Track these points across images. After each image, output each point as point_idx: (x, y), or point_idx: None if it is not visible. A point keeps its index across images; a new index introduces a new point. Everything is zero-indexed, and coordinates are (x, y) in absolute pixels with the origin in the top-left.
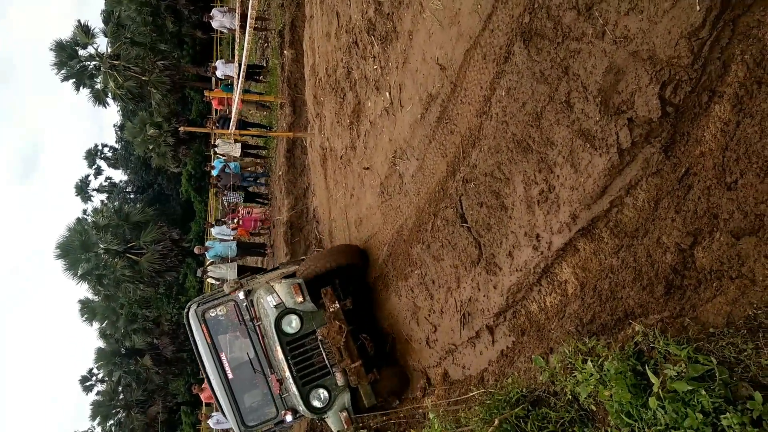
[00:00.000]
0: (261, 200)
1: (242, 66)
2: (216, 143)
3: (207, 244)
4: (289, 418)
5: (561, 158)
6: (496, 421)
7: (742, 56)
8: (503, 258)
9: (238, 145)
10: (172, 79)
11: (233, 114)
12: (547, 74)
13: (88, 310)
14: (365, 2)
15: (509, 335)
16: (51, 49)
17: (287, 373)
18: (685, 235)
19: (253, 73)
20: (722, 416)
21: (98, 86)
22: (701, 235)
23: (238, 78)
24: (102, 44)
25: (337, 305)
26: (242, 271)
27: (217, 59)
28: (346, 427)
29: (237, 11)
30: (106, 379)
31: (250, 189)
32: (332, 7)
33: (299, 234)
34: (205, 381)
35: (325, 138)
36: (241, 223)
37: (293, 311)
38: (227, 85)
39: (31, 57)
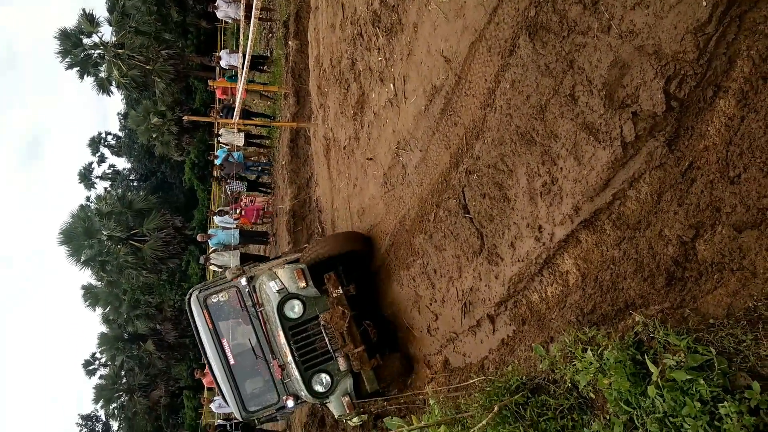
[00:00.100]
0: (264, 189)
1: (247, 56)
2: (219, 132)
3: (210, 231)
4: (290, 403)
5: (564, 151)
6: (496, 408)
7: (748, 52)
8: (505, 248)
9: (242, 134)
10: (176, 69)
11: (237, 103)
12: (552, 67)
13: (91, 296)
14: None
15: (510, 324)
16: (55, 38)
17: (289, 358)
18: (687, 228)
19: (257, 63)
20: (720, 405)
21: (102, 75)
22: (703, 228)
23: (243, 68)
24: (107, 33)
25: (341, 290)
26: (245, 259)
27: (221, 49)
28: (348, 411)
29: (242, 1)
30: (109, 363)
31: (258, 179)
32: None
33: (302, 223)
34: (207, 366)
35: (328, 128)
36: (243, 213)
37: (296, 296)
38: (231, 76)
39: (36, 45)
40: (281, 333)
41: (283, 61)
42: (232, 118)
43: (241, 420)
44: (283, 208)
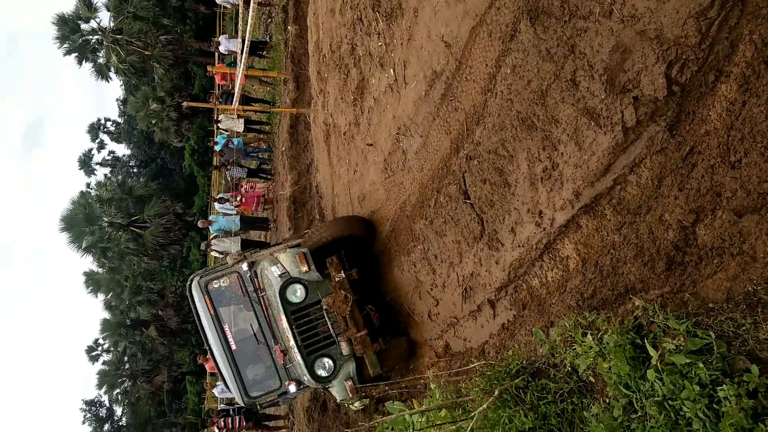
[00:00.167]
0: (264, 175)
1: (246, 41)
2: (219, 118)
3: (210, 218)
4: (292, 388)
5: (565, 136)
6: (496, 392)
7: (750, 36)
8: (505, 234)
9: (241, 120)
10: (174, 54)
11: (236, 89)
12: (553, 52)
13: (92, 282)
14: None
15: (510, 309)
16: (53, 23)
17: (292, 343)
18: (688, 213)
19: (256, 48)
20: (719, 388)
21: (101, 60)
22: (704, 212)
23: (242, 53)
24: (105, 18)
25: (343, 274)
26: (246, 245)
27: (220, 34)
28: (351, 395)
29: None
30: (112, 349)
31: (261, 165)
32: None
33: (302, 209)
34: (208, 352)
35: (328, 114)
36: (243, 200)
37: (298, 280)
38: (230, 63)
39: (34, 30)
40: (283, 317)
41: (282, 47)
42: (231, 103)
43: (243, 405)
44: (284, 194)
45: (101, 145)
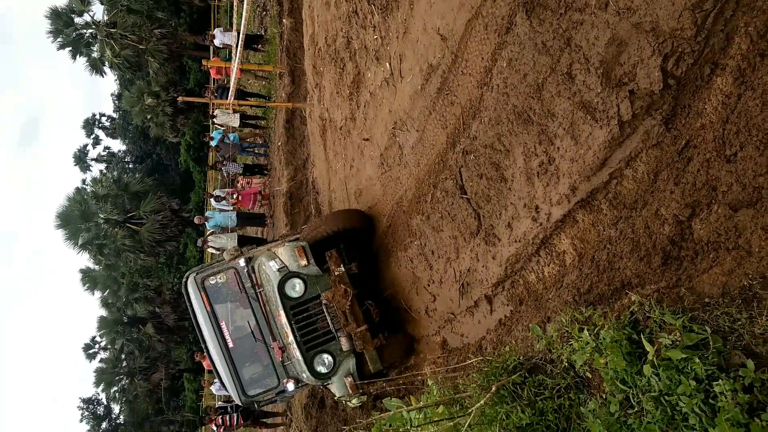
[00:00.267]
0: (261, 171)
1: (241, 34)
2: (214, 114)
3: (207, 214)
4: (290, 386)
5: (561, 130)
6: (494, 388)
7: (746, 28)
8: (502, 229)
9: (237, 115)
10: (169, 48)
11: (232, 84)
12: (549, 45)
13: (89, 279)
14: None
15: (507, 305)
16: (46, 17)
17: (290, 339)
18: (684, 207)
19: (251, 42)
20: (715, 383)
21: (95, 55)
22: (699, 207)
23: (237, 47)
24: (98, 12)
25: (342, 269)
26: (243, 241)
27: (215, 27)
28: (351, 392)
29: None
30: (109, 346)
31: (256, 162)
32: None
33: (299, 205)
34: (204, 351)
35: (324, 108)
36: (240, 198)
37: (297, 275)
38: (225, 58)
39: (27, 24)
40: (282, 313)
41: (277, 40)
42: (226, 98)
43: (240, 404)
44: (280, 189)
45: (96, 141)
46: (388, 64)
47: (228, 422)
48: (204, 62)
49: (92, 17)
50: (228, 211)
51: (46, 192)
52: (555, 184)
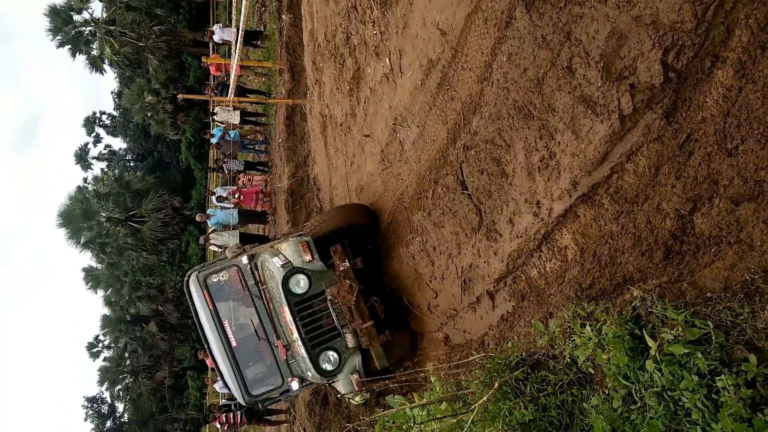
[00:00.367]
0: (261, 168)
1: (240, 31)
2: (215, 111)
3: (209, 211)
4: (295, 385)
5: (562, 125)
6: (496, 384)
7: (746, 20)
8: (504, 224)
9: (237, 112)
10: (168, 45)
11: (232, 81)
12: (549, 39)
13: (92, 278)
14: None
15: (509, 300)
16: (45, 15)
17: (295, 336)
18: (685, 201)
19: (251, 38)
20: (717, 378)
21: (94, 52)
22: (701, 201)
23: (236, 43)
24: (97, 9)
25: (347, 264)
26: (245, 239)
27: (213, 24)
28: (357, 389)
29: None
30: (113, 345)
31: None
32: None
33: (300, 201)
34: (207, 351)
35: (324, 105)
36: (242, 197)
37: (301, 270)
38: (224, 55)
39: (27, 23)
40: (286, 309)
41: (276, 36)
42: (226, 95)
43: (244, 404)
44: (281, 186)
45: (97, 139)
46: (387, 60)
47: (232, 420)
48: (204, 59)
49: (91, 15)
50: (229, 208)
51: (46, 191)
52: (556, 179)
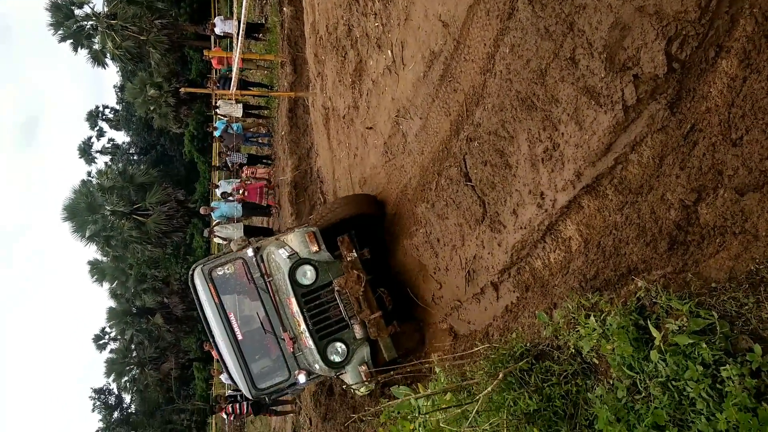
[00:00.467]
0: (265, 161)
1: (241, 23)
2: (217, 104)
3: (212, 204)
4: (302, 378)
5: (566, 116)
6: (501, 374)
7: (751, 10)
8: (507, 216)
9: (240, 105)
10: (170, 38)
11: (234, 74)
12: (552, 30)
13: (97, 271)
14: None
15: (513, 291)
16: (47, 9)
17: (303, 327)
18: (690, 192)
19: (252, 31)
20: (722, 368)
21: (96, 47)
22: (705, 191)
23: (238, 36)
24: (98, 3)
25: (355, 254)
26: (249, 231)
27: (215, 16)
28: (365, 380)
29: None
30: (119, 337)
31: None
32: None
33: (304, 194)
34: (213, 345)
35: (327, 97)
36: (246, 193)
37: (308, 261)
38: (226, 48)
39: (28, 17)
40: (293, 301)
41: (278, 29)
42: (229, 89)
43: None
44: (285, 179)
45: (100, 133)
46: (390, 52)
47: (238, 410)
48: (206, 52)
49: (92, 9)
50: (233, 201)
51: (49, 187)
52: (560, 170)
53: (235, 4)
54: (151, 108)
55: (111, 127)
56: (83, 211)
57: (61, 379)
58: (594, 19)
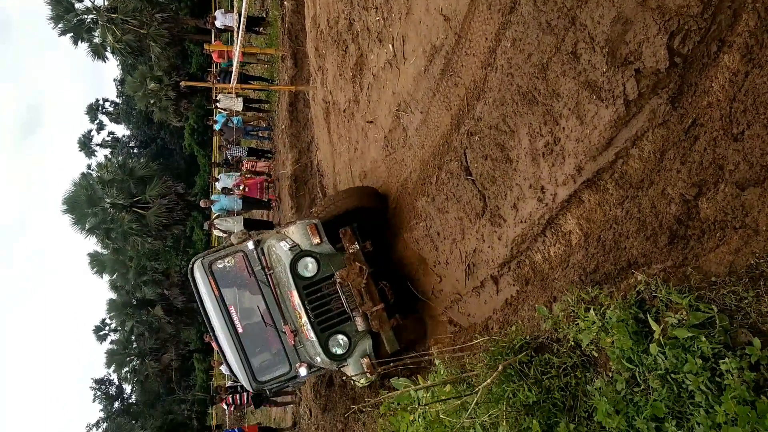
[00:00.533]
0: (265, 154)
1: (242, 17)
2: (218, 98)
3: (212, 197)
4: (303, 371)
5: (567, 110)
6: (500, 367)
7: (754, 4)
8: (508, 210)
9: (240, 99)
10: (170, 32)
11: (234, 67)
12: (554, 24)
13: (97, 263)
14: None
15: (513, 285)
16: (47, 2)
17: (304, 320)
18: (690, 186)
19: (253, 24)
20: (721, 361)
21: (96, 40)
22: (706, 185)
23: (239, 30)
24: None
25: (357, 246)
26: (249, 224)
27: (215, 9)
28: (368, 373)
29: None
30: (119, 328)
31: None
32: None
33: (304, 188)
34: (213, 338)
35: (327, 91)
36: (246, 190)
37: (309, 253)
38: (227, 42)
39: (28, 10)
40: (295, 293)
41: (279, 23)
42: (229, 82)
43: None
44: (285, 173)
45: (100, 126)
46: (390, 46)
47: (238, 401)
48: (206, 46)
49: (93, 2)
50: (233, 194)
51: (48, 182)
52: (561, 165)
53: None
54: (152, 101)
55: (111, 120)
56: (83, 203)
57: (61, 369)
58: (596, 14)
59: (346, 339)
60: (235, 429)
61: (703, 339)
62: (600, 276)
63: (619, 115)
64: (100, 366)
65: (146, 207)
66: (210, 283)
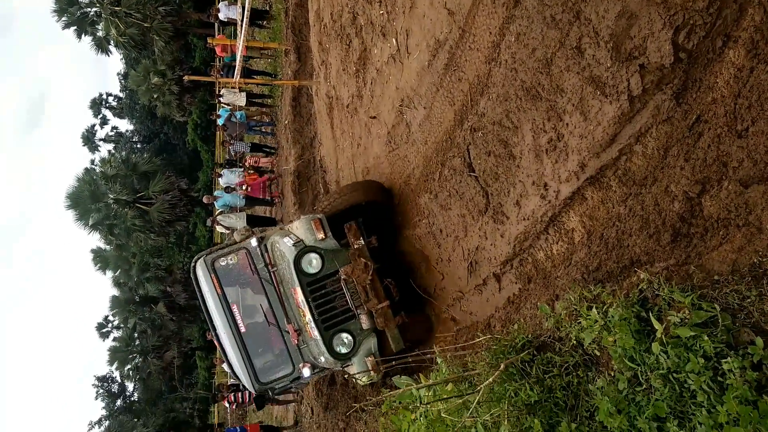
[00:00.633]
0: (268, 150)
1: (246, 9)
2: (221, 93)
3: (215, 193)
4: (306, 372)
5: (570, 106)
6: (502, 366)
7: None
8: (511, 207)
9: (243, 94)
10: (174, 26)
11: (237, 62)
12: (558, 19)
13: (100, 260)
14: None
15: (516, 283)
16: None
17: (308, 318)
18: (694, 184)
19: (256, 18)
20: (723, 361)
21: (100, 34)
22: (710, 183)
23: (242, 23)
24: None
25: (362, 242)
26: (252, 221)
27: (219, 2)
28: (372, 370)
29: None
30: (122, 326)
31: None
32: None
33: (307, 183)
34: (215, 338)
35: (330, 86)
36: (249, 190)
37: (313, 249)
38: (230, 36)
39: (32, 2)
40: (299, 290)
41: (282, 16)
42: (232, 77)
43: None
44: (288, 168)
45: (104, 121)
46: (394, 40)
47: (240, 399)
48: (209, 40)
49: None
50: (236, 191)
51: (52, 173)
52: (564, 161)
53: None
54: (155, 96)
55: (114, 114)
56: (86, 199)
57: (64, 367)
58: (601, 8)
59: (350, 337)
60: (237, 428)
61: (706, 338)
62: (602, 274)
63: (623, 111)
64: (102, 364)
65: (149, 203)
66: (212, 281)
